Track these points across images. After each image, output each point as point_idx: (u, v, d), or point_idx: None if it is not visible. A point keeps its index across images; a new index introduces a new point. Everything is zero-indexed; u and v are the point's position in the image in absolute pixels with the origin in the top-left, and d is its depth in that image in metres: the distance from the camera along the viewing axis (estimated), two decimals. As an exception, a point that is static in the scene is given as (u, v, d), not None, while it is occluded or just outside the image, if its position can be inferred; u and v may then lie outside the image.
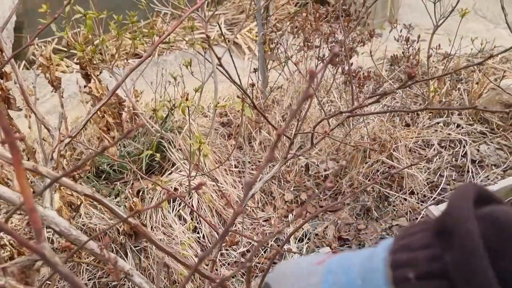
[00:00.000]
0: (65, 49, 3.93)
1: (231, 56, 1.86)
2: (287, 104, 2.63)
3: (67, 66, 3.82)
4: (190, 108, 2.18)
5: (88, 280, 2.06)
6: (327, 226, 2.29)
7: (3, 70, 1.79)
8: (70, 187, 0.77)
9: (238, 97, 2.08)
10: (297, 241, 2.20)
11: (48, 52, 2.10)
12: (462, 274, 0.31)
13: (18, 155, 0.30)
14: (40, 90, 3.21)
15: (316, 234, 2.25)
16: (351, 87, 1.30)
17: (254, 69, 2.07)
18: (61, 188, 1.61)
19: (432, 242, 0.34)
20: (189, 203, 2.15)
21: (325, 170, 2.50)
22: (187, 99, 1.61)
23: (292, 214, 2.32)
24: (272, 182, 2.46)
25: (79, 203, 1.72)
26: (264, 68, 2.59)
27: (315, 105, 2.66)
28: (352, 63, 2.40)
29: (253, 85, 1.32)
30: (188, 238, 2.10)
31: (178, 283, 1.99)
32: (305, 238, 2.20)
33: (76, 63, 3.52)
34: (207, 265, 1.77)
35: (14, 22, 3.92)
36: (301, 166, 2.53)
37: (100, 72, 2.04)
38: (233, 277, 1.98)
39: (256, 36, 2.72)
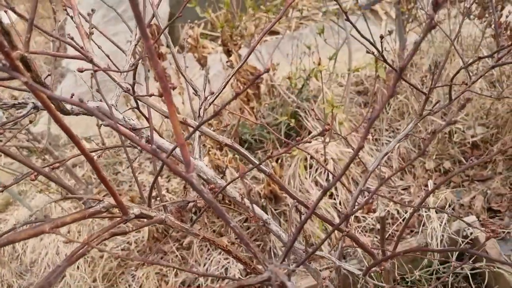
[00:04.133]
0: (210, 32, 4.28)
1: (366, 23, 1.81)
2: (427, 67, 2.47)
3: (212, 48, 4.16)
4: (324, 77, 2.21)
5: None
6: (474, 196, 2.12)
7: (159, 51, 2.07)
8: (212, 136, 0.89)
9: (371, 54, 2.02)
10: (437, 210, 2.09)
11: (196, 33, 2.33)
12: None
13: (173, 108, 0.37)
14: (188, 73, 3.58)
15: (462, 205, 2.11)
16: (495, 34, 1.18)
17: (388, 31, 1.98)
18: (209, 153, 1.81)
19: None
20: (324, 170, 2.20)
21: (472, 137, 2.30)
22: (319, 64, 1.64)
23: (433, 183, 2.20)
24: (412, 150, 2.36)
25: (225, 166, 1.91)
26: (401, 30, 2.46)
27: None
28: (501, 15, 2.13)
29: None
30: (325, 203, 2.16)
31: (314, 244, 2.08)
32: (448, 207, 2.08)
33: (220, 45, 3.83)
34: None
35: (168, 13, 4.40)
36: (445, 133, 2.37)
37: (240, 48, 2.20)
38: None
39: (393, -2, 2.58)
